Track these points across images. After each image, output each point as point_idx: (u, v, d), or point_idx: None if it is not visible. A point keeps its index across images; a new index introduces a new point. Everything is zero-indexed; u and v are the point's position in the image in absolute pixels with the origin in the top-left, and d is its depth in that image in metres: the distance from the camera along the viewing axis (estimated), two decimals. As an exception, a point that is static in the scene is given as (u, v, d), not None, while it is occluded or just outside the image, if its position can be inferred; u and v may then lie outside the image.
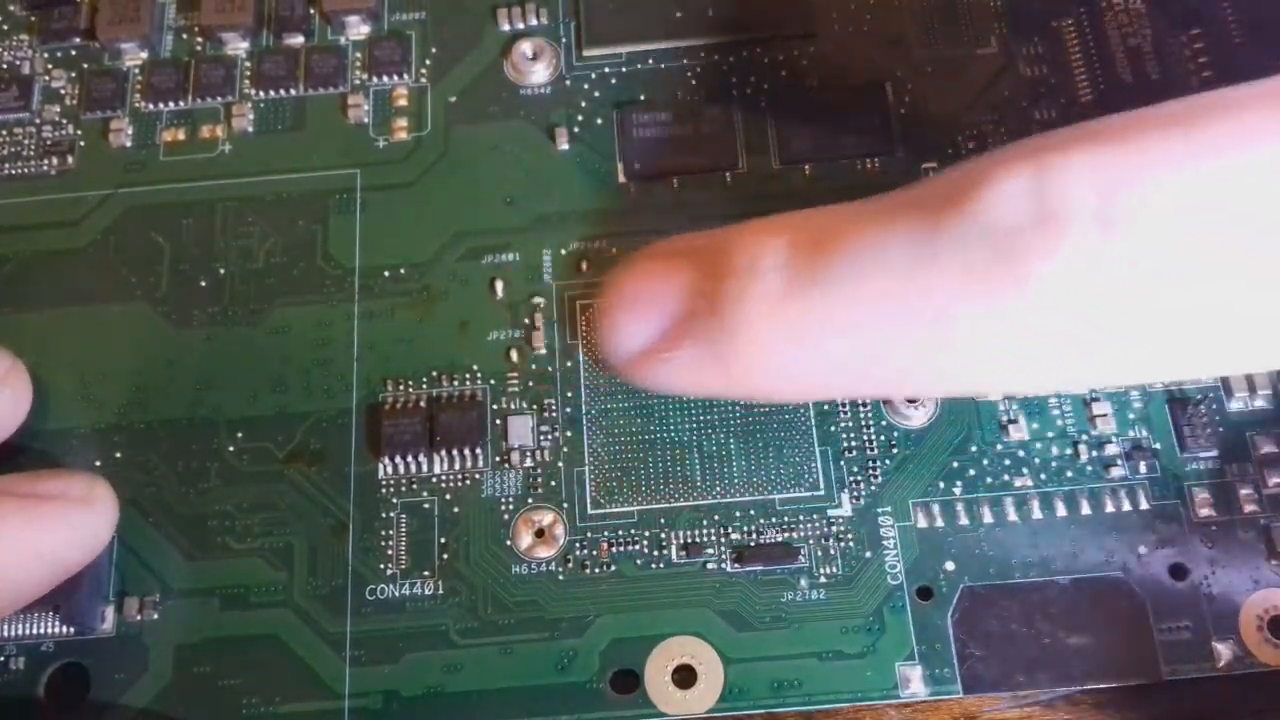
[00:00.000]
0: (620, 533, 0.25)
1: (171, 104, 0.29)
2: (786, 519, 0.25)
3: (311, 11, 0.30)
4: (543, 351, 0.26)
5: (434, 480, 0.25)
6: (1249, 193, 0.16)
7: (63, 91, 0.30)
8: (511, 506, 0.25)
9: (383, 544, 0.25)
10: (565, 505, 0.25)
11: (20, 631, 0.24)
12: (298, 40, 0.30)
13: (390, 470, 0.25)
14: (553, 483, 0.25)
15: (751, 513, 0.25)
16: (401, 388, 0.26)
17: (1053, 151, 0.17)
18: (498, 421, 0.26)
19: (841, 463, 0.25)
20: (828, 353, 0.18)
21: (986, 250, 0.17)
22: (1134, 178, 0.16)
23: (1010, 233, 0.16)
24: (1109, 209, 0.16)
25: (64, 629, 0.24)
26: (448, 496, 0.25)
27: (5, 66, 0.30)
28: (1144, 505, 0.24)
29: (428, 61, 0.29)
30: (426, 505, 0.25)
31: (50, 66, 0.30)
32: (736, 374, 0.19)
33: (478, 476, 0.25)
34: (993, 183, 0.17)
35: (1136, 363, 0.17)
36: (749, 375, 0.19)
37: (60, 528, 0.23)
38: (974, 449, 0.25)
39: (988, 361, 0.18)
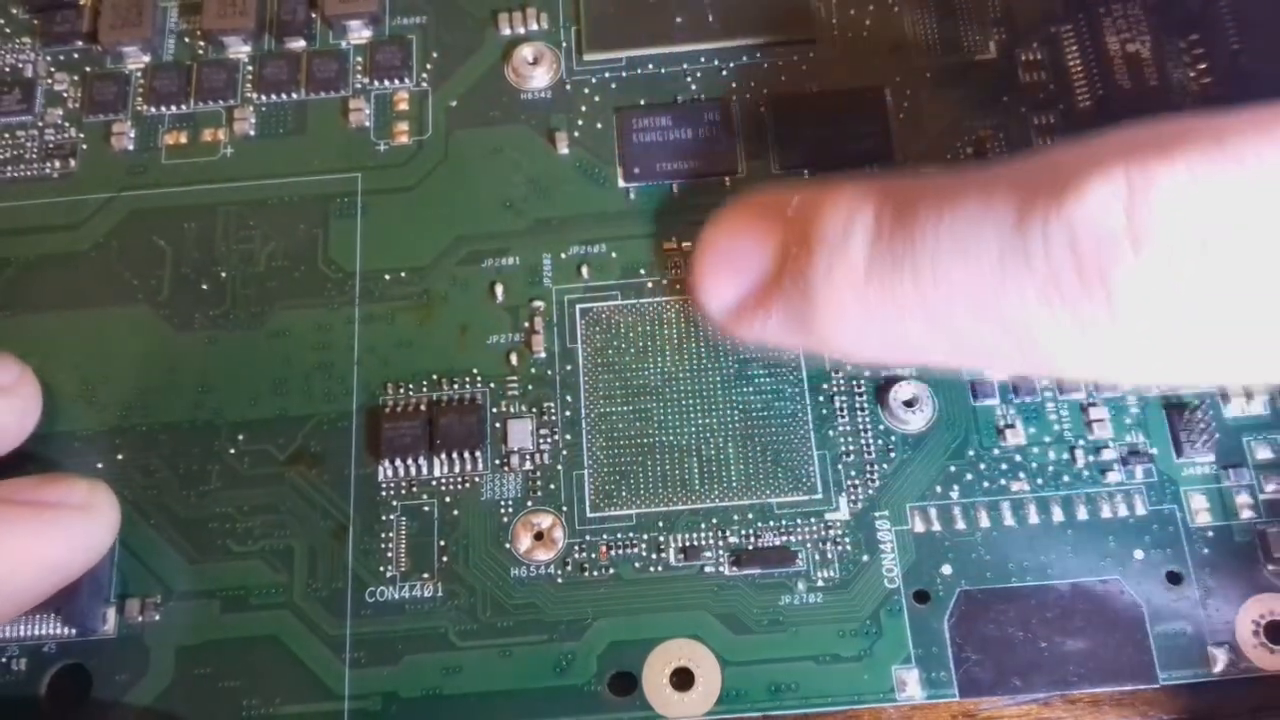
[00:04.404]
0: (619, 536, 0.25)
1: (173, 108, 0.29)
2: (784, 522, 0.25)
3: (313, 16, 0.30)
4: (542, 355, 0.26)
5: (434, 483, 0.25)
6: None
7: (65, 95, 0.30)
8: (511, 509, 0.25)
9: (382, 546, 0.25)
10: (564, 508, 0.25)
11: (22, 633, 0.25)
12: (299, 44, 0.30)
13: (390, 473, 0.25)
14: (552, 486, 0.25)
15: (749, 516, 0.25)
16: (401, 391, 0.26)
17: (1148, 158, 0.16)
18: (497, 425, 0.26)
19: (839, 467, 0.25)
20: (905, 332, 0.19)
21: (1073, 258, 0.17)
22: (1228, 199, 0.16)
23: (1099, 243, 0.16)
24: (1201, 230, 0.16)
25: (66, 630, 0.24)
26: (447, 499, 0.25)
27: (8, 70, 0.30)
28: (1140, 510, 0.25)
29: (429, 66, 0.30)
30: (426, 508, 0.25)
31: (53, 70, 0.30)
32: (818, 339, 0.21)
33: (477, 479, 0.25)
34: (1086, 185, 0.17)
35: (1216, 368, 0.18)
36: (829, 341, 0.21)
37: (61, 535, 0.23)
38: (971, 453, 0.25)
39: (1061, 356, 0.18)
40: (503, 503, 0.25)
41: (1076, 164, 0.17)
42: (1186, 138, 0.17)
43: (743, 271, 0.21)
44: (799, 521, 0.25)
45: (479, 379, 0.26)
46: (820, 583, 0.24)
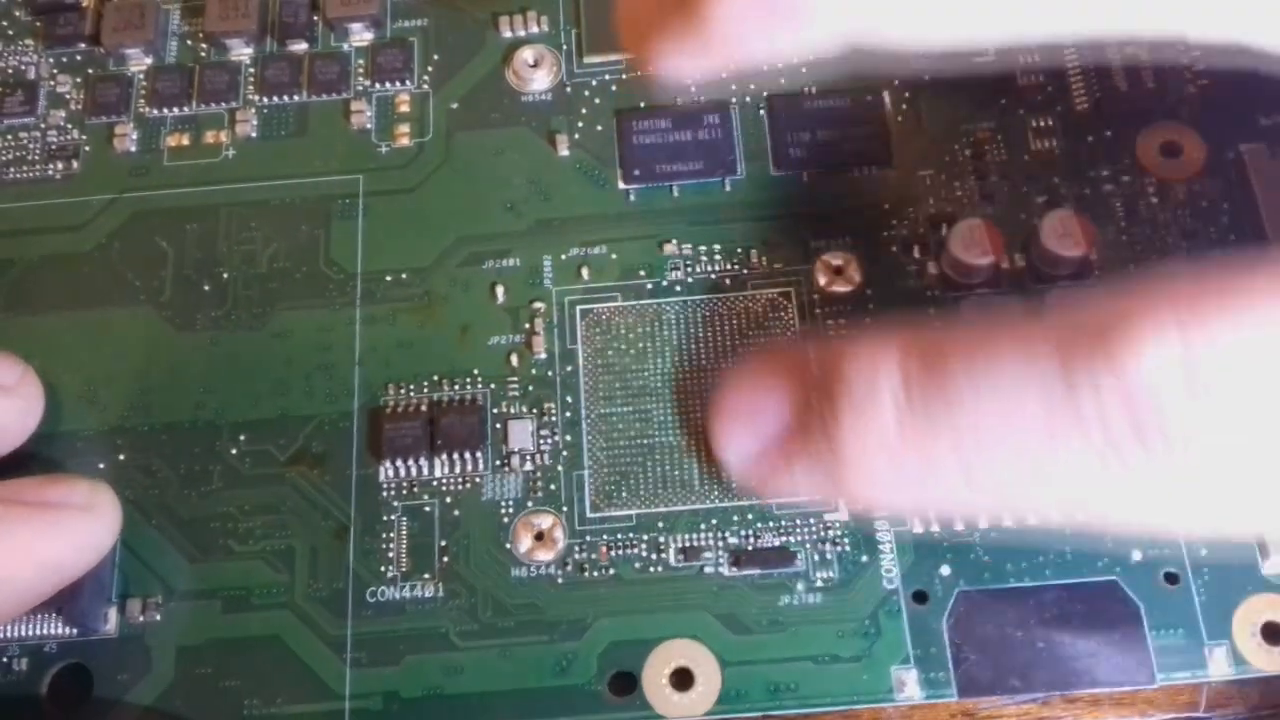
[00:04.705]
0: (619, 536, 0.25)
1: (176, 109, 0.30)
2: (783, 523, 0.25)
3: (315, 18, 0.30)
4: (543, 356, 0.27)
5: (434, 483, 0.26)
6: None
7: (68, 96, 0.30)
8: (511, 510, 0.25)
9: (383, 547, 0.25)
10: (564, 509, 0.25)
11: (23, 632, 0.25)
12: (301, 47, 0.30)
13: (391, 473, 0.26)
14: (552, 486, 0.25)
15: (749, 517, 0.25)
16: (403, 391, 0.26)
17: (1202, 307, 0.16)
18: (498, 425, 0.26)
19: (838, 468, 0.25)
20: (942, 488, 0.19)
21: (1127, 411, 0.16)
22: None
23: (1155, 394, 0.16)
24: (1261, 378, 0.16)
25: (67, 630, 0.24)
26: (448, 500, 0.25)
27: (11, 72, 0.30)
28: (1138, 511, 0.25)
29: (430, 68, 0.30)
30: (427, 508, 0.25)
31: (55, 72, 0.30)
32: (848, 494, 0.21)
33: (478, 480, 0.26)
34: (1139, 336, 0.16)
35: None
36: (859, 497, 0.21)
37: (63, 536, 0.23)
38: (970, 454, 0.25)
39: (1113, 508, 0.18)
40: (503, 503, 0.25)
41: (1122, 314, 0.17)
42: (1237, 285, 0.16)
43: (764, 425, 0.21)
44: (798, 522, 0.25)
45: (480, 380, 0.26)
46: (819, 583, 0.24)
